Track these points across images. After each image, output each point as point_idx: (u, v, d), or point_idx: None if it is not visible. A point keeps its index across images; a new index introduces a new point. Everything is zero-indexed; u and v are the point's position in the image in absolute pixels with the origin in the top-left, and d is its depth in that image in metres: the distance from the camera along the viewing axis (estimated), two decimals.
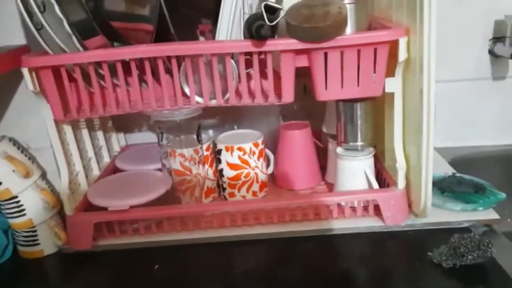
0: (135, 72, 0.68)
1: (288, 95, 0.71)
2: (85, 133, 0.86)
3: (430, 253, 0.67)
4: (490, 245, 0.64)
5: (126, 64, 0.69)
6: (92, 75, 0.68)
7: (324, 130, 0.93)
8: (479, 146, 1.04)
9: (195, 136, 0.78)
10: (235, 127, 0.95)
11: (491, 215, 0.75)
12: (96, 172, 0.89)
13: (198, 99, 0.72)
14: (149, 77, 0.69)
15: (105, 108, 0.72)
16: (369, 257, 0.72)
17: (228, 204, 0.81)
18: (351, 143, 0.81)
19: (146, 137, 1.04)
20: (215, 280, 0.69)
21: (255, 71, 0.69)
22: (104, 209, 0.75)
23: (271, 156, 0.91)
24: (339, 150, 0.82)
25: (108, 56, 0.66)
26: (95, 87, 0.69)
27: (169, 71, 0.69)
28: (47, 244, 0.77)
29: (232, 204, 0.81)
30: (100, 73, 0.70)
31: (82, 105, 0.72)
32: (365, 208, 0.78)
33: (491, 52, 0.98)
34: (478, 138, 1.04)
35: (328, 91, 0.71)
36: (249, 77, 0.72)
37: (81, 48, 0.65)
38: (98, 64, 0.68)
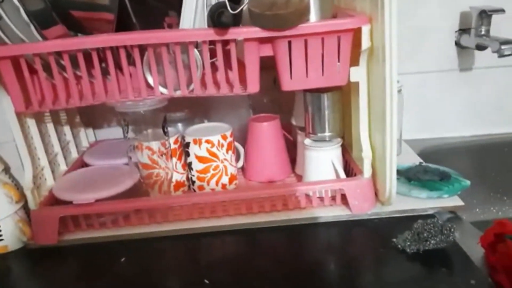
0: (97, 62, 0.67)
1: (254, 85, 0.71)
2: (50, 127, 0.84)
3: (394, 240, 0.67)
4: (452, 230, 0.64)
5: (89, 56, 0.68)
6: (53, 66, 0.67)
7: (294, 122, 0.93)
8: (447, 138, 1.06)
9: (161, 129, 0.78)
10: (205, 121, 0.95)
11: (456, 201, 0.77)
12: (63, 167, 0.88)
13: (162, 89, 0.71)
14: (111, 68, 0.68)
15: (68, 100, 0.71)
16: (336, 245, 0.72)
17: (196, 196, 0.80)
18: (319, 134, 0.82)
19: (115, 132, 1.03)
20: (182, 271, 0.69)
21: (219, 60, 0.69)
22: (70, 203, 0.74)
23: (241, 150, 0.91)
24: (307, 141, 0.82)
25: (67, 46, 0.65)
26: (56, 79, 0.68)
27: (132, 62, 0.69)
28: (12, 239, 0.75)
29: (199, 196, 0.80)
30: (62, 64, 0.68)
31: (44, 97, 0.71)
32: (333, 198, 0.79)
33: (457, 43, 0.99)
34: (446, 129, 1.06)
35: (293, 80, 0.71)
36: (214, 67, 0.72)
37: (40, 38, 0.64)
38: (59, 55, 0.67)
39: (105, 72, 0.71)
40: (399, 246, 0.66)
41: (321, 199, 0.79)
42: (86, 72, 0.69)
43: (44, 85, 0.70)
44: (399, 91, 0.92)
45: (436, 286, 0.58)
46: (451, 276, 0.60)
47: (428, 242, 0.64)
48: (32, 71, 0.69)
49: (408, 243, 0.65)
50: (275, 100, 0.98)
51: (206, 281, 0.64)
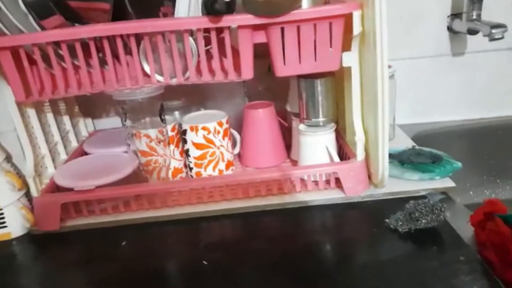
0: (94, 52, 0.69)
1: (248, 72, 0.72)
2: (50, 117, 0.86)
3: (387, 220, 0.69)
4: (443, 210, 0.66)
5: (86, 46, 0.70)
6: (51, 56, 0.68)
7: (288, 109, 0.94)
8: (440, 122, 1.07)
9: (158, 117, 0.79)
10: (202, 109, 0.97)
11: (447, 183, 0.78)
12: (63, 156, 0.90)
13: (158, 77, 0.73)
14: (108, 57, 0.70)
15: (66, 90, 0.73)
16: (330, 227, 0.74)
17: (194, 181, 0.82)
18: (313, 120, 0.83)
19: (114, 122, 1.05)
20: (181, 253, 0.71)
21: (214, 48, 0.70)
22: (70, 190, 0.76)
23: (237, 136, 0.93)
24: (301, 126, 0.84)
25: (65, 36, 0.67)
26: (55, 69, 0.70)
27: (129, 51, 0.70)
28: (15, 226, 0.77)
29: (198, 181, 0.82)
30: (60, 54, 0.70)
31: (43, 86, 0.72)
32: (327, 182, 0.80)
33: (449, 28, 1.01)
34: (439, 114, 1.07)
35: (286, 66, 0.72)
36: (209, 55, 0.73)
37: (38, 28, 0.66)
38: (57, 45, 0.68)
39: (102, 62, 0.73)
40: (392, 226, 0.68)
41: (316, 183, 0.80)
42: (84, 61, 0.70)
43: (43, 75, 0.71)
44: (392, 76, 0.93)
45: (427, 263, 0.60)
46: (442, 253, 0.62)
47: (419, 222, 0.66)
48: (31, 61, 0.70)
49: (400, 223, 0.67)
50: (270, 87, 0.99)
51: (205, 262, 0.66)
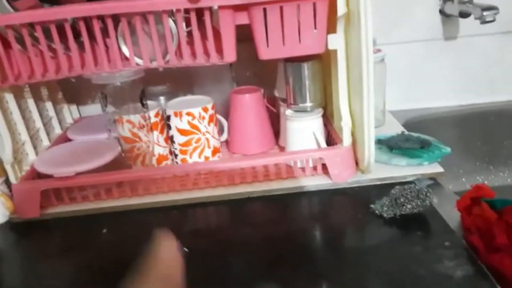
0: (70, 33, 0.67)
1: (230, 54, 0.70)
2: (31, 102, 0.84)
3: (372, 205, 0.68)
4: (428, 195, 0.65)
5: (63, 28, 0.68)
6: (26, 38, 0.66)
7: (276, 94, 0.92)
8: (432, 108, 1.05)
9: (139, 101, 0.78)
10: (188, 94, 0.95)
11: (436, 168, 0.77)
12: (46, 142, 0.88)
13: (138, 60, 0.71)
14: (85, 39, 0.68)
15: (44, 74, 0.71)
16: (316, 213, 0.73)
17: (177, 168, 0.81)
18: (300, 105, 0.82)
19: (100, 109, 1.02)
20: None
21: (194, 29, 0.68)
22: (51, 177, 0.75)
23: (224, 122, 0.91)
24: (288, 112, 0.82)
25: (40, 17, 0.65)
26: (30, 52, 0.68)
27: (106, 33, 0.68)
28: None
29: (181, 167, 0.80)
30: (36, 36, 0.68)
31: (20, 71, 0.70)
32: (315, 168, 0.79)
33: (441, 11, 0.98)
34: (431, 99, 1.06)
35: (270, 49, 0.70)
36: (191, 37, 0.71)
37: (11, 10, 0.64)
38: (32, 27, 0.66)
39: (80, 45, 0.71)
40: (377, 211, 0.67)
41: (303, 169, 0.79)
42: (61, 44, 0.68)
43: (19, 59, 0.69)
44: (382, 60, 0.91)
45: (410, 249, 0.59)
46: (426, 239, 0.61)
47: (404, 207, 0.65)
48: (6, 44, 0.69)
49: (385, 208, 0.66)
50: (257, 73, 0.97)
51: (186, 249, 0.65)
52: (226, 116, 0.91)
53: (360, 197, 0.73)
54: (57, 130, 0.94)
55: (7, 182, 0.78)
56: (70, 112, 1.00)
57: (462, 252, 0.57)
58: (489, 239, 0.55)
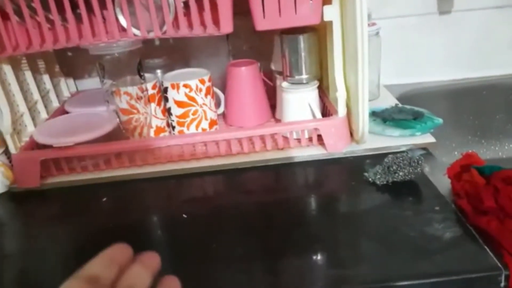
0: (68, 5, 0.68)
1: (227, 25, 0.71)
2: (28, 75, 0.85)
3: (365, 173, 0.69)
4: (420, 162, 0.66)
5: (61, 0, 0.68)
6: (23, 8, 0.67)
7: (273, 67, 0.93)
8: (426, 82, 1.07)
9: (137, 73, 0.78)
10: (185, 67, 0.96)
11: (428, 139, 0.79)
12: (44, 115, 0.89)
13: (135, 31, 0.71)
14: (83, 10, 0.68)
15: (41, 44, 0.72)
16: (310, 181, 0.75)
17: (175, 138, 0.82)
18: (296, 77, 0.83)
19: (97, 83, 1.02)
20: (161, 208, 0.71)
21: (191, 0, 0.69)
22: (50, 147, 0.76)
23: (221, 95, 0.92)
24: (284, 84, 0.83)
25: None
26: (28, 23, 0.68)
27: (103, 4, 0.69)
28: None
29: (179, 138, 0.81)
30: (33, 7, 0.68)
31: (17, 41, 0.71)
32: (310, 139, 0.80)
33: None
34: (425, 74, 1.07)
35: (266, 20, 0.71)
36: (188, 9, 0.72)
37: None
38: None
39: (78, 17, 0.71)
40: (370, 179, 0.68)
41: (298, 140, 0.80)
42: (59, 15, 0.69)
43: (17, 30, 0.70)
44: (377, 34, 0.92)
45: (401, 213, 0.61)
46: (417, 204, 0.63)
47: (396, 174, 0.66)
48: (4, 16, 0.69)
49: (378, 175, 0.68)
50: (254, 47, 0.98)
51: (184, 216, 0.67)
52: (223, 89, 0.92)
53: (354, 166, 0.75)
54: (55, 103, 0.95)
55: (6, 152, 0.79)
56: (67, 86, 1.00)
57: (451, 215, 0.59)
58: (477, 202, 0.57)
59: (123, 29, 0.72)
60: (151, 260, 0.37)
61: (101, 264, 0.35)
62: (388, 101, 0.95)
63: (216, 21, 0.71)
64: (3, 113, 0.75)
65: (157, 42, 0.98)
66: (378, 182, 0.67)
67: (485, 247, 0.53)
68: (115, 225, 0.67)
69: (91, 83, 1.04)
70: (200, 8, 0.71)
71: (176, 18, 0.71)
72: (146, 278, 0.35)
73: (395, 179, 0.67)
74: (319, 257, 0.56)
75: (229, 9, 0.70)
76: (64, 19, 0.71)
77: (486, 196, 0.56)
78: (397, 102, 0.93)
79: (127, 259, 0.36)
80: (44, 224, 0.71)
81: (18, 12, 0.68)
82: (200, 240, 0.61)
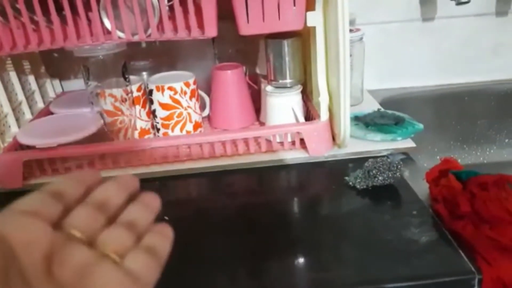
0: (52, 7, 0.68)
1: (211, 29, 0.72)
2: (13, 75, 0.85)
3: (346, 177, 0.70)
4: (399, 167, 0.68)
5: (46, 2, 0.68)
6: (8, 9, 0.67)
7: (258, 71, 0.94)
8: (409, 87, 1.08)
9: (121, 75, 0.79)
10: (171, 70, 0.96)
11: (408, 144, 0.80)
12: (28, 116, 0.89)
13: (120, 34, 0.72)
14: (68, 12, 0.69)
15: (26, 46, 0.72)
16: (292, 184, 0.76)
17: (159, 140, 0.82)
18: (280, 81, 0.83)
19: (83, 84, 1.03)
20: None
21: (176, 3, 0.69)
22: (34, 148, 0.76)
23: (206, 98, 0.93)
24: (268, 88, 0.84)
25: None
26: (12, 23, 0.69)
27: (88, 6, 0.69)
28: None
29: (163, 140, 0.82)
30: (18, 8, 0.68)
31: (1, 42, 0.71)
32: (293, 143, 0.81)
33: None
34: (408, 79, 1.08)
35: (250, 25, 0.72)
36: (173, 12, 0.72)
37: None
38: None
39: (63, 19, 0.72)
40: (350, 183, 0.69)
41: (281, 143, 0.81)
42: (44, 17, 0.69)
43: (1, 30, 0.70)
44: (361, 39, 0.94)
45: (380, 216, 0.62)
46: (395, 208, 0.64)
47: (376, 179, 0.67)
48: None
49: (359, 180, 0.69)
50: (240, 50, 0.99)
51: (166, 218, 0.67)
52: (208, 92, 0.93)
53: (336, 170, 0.76)
54: (40, 104, 0.95)
55: None
56: (53, 87, 1.00)
57: (428, 219, 0.60)
58: (453, 207, 0.59)
59: (107, 32, 0.72)
60: (151, 200, 0.37)
61: (67, 182, 0.34)
62: (371, 106, 0.96)
63: (200, 25, 0.72)
64: None
65: (143, 45, 0.99)
66: (358, 186, 0.68)
67: (460, 251, 0.54)
68: None
69: (77, 84, 1.04)
70: (185, 12, 0.71)
71: (160, 21, 0.72)
72: (147, 216, 0.35)
73: (374, 183, 0.68)
74: (300, 259, 0.57)
75: (213, 13, 0.70)
76: (49, 21, 0.71)
77: (462, 201, 0.57)
78: (379, 107, 0.95)
79: (95, 181, 0.36)
80: None
81: (2, 12, 0.68)
82: (182, 243, 0.61)
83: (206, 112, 0.93)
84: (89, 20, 0.72)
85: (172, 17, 0.72)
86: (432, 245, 0.55)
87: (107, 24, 0.71)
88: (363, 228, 0.60)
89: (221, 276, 0.55)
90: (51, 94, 1.00)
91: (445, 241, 0.56)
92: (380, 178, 0.67)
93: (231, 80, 0.90)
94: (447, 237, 0.57)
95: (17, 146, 0.79)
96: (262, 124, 0.93)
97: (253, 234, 0.62)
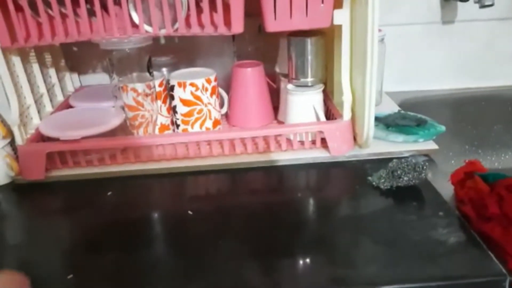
0: (82, 0, 0.68)
1: (238, 26, 0.72)
2: (36, 67, 0.85)
3: (369, 177, 0.70)
4: (425, 168, 0.68)
5: None
6: (39, 2, 0.67)
7: (277, 70, 0.94)
8: (426, 90, 1.08)
9: (146, 70, 0.79)
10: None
11: (431, 145, 0.80)
12: (49, 108, 0.89)
13: (147, 28, 0.72)
14: (97, 6, 0.69)
15: (53, 37, 0.72)
16: (313, 183, 0.76)
17: (181, 136, 0.82)
18: (301, 80, 0.83)
19: (101, 78, 1.04)
20: (166, 204, 0.72)
21: (204, 0, 0.69)
22: (56, 140, 0.76)
23: (225, 96, 0.93)
24: (290, 86, 0.84)
25: None
26: (42, 16, 0.69)
27: (118, 2, 0.69)
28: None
29: (185, 136, 0.82)
30: (47, 1, 0.69)
31: (29, 33, 0.71)
32: (313, 142, 0.81)
33: None
34: (427, 82, 1.08)
35: (277, 21, 0.72)
36: (200, 9, 0.73)
37: None
38: None
39: (91, 13, 0.72)
40: (374, 183, 0.69)
41: (302, 142, 0.81)
42: (72, 10, 0.69)
43: (29, 21, 0.70)
44: (382, 40, 0.93)
45: (406, 217, 0.62)
46: (421, 209, 0.64)
47: (401, 179, 0.67)
48: (18, 8, 0.69)
49: (382, 180, 0.69)
50: (259, 48, 0.99)
51: (190, 212, 0.67)
52: (226, 90, 0.93)
53: (358, 170, 0.75)
54: (59, 97, 0.95)
55: (11, 144, 0.78)
56: (72, 80, 1.00)
57: (455, 221, 0.60)
58: (481, 209, 0.58)
59: (135, 25, 0.72)
60: None
61: None
62: (390, 108, 0.96)
63: (227, 21, 0.72)
64: (11, 104, 0.75)
65: (162, 41, 0.99)
66: (382, 187, 0.68)
67: (490, 253, 0.54)
68: (119, 219, 0.67)
69: (95, 78, 1.04)
70: (212, 8, 0.71)
71: (187, 16, 0.72)
72: None
73: (399, 184, 0.68)
74: (323, 257, 0.56)
75: (241, 10, 0.71)
76: (76, 14, 0.71)
77: (490, 203, 0.57)
78: (399, 108, 0.95)
79: None
80: (47, 217, 0.71)
81: (32, 5, 0.68)
82: (205, 237, 0.62)
83: (224, 109, 0.93)
84: (116, 13, 0.72)
85: (198, 12, 0.72)
86: (461, 246, 0.55)
87: (135, 17, 0.71)
88: (390, 228, 0.60)
89: (244, 271, 0.55)
90: (70, 88, 1.00)
91: (473, 243, 0.56)
92: (405, 178, 0.67)
93: (251, 78, 0.89)
94: (476, 239, 0.56)
95: (40, 138, 0.79)
96: (280, 123, 0.93)
97: (275, 231, 0.62)
